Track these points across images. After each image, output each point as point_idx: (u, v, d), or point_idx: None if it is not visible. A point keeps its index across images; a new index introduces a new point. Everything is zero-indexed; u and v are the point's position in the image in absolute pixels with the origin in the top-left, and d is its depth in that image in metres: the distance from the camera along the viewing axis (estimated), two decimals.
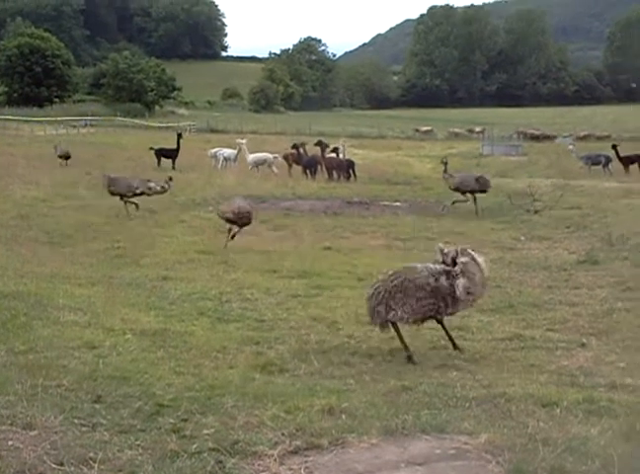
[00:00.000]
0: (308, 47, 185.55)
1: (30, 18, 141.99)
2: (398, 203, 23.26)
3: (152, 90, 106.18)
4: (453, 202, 21.40)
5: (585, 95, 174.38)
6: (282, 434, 5.53)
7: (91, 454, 5.06)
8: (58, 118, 67.03)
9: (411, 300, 8.07)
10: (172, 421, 5.81)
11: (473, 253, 8.26)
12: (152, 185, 19.25)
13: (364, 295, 8.70)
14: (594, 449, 5.22)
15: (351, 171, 29.34)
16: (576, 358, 8.17)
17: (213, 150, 35.22)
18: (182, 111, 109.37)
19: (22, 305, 9.23)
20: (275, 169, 31.53)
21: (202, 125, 76.14)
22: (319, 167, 30.07)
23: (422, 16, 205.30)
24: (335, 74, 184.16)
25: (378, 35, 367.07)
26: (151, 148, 33.90)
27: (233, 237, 15.24)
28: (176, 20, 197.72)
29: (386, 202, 23.38)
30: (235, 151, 32.96)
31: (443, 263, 8.25)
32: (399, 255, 14.79)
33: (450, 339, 8.43)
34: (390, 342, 8.70)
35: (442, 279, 8.06)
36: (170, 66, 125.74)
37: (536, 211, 20.61)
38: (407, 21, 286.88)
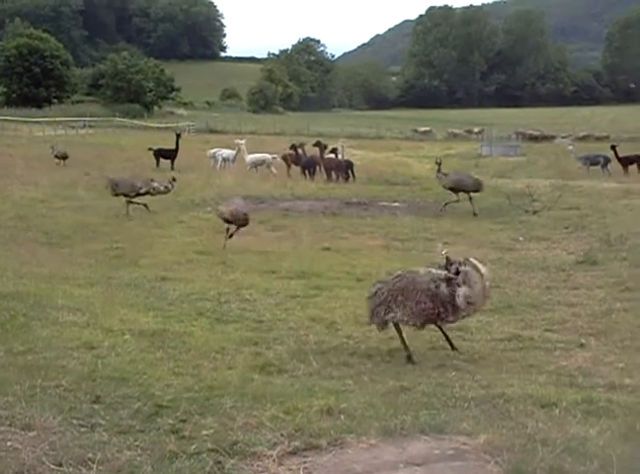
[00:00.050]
0: (307, 48, 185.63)
1: (28, 18, 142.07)
2: (397, 204, 23.25)
3: (151, 90, 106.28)
4: (445, 205, 21.42)
5: (584, 95, 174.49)
6: (281, 435, 5.53)
7: (90, 455, 5.06)
8: (57, 119, 67.07)
9: (411, 303, 8.06)
10: (171, 421, 5.81)
11: (476, 262, 8.20)
12: (156, 185, 19.35)
13: (365, 295, 8.71)
14: (592, 450, 5.22)
15: (349, 171, 29.32)
16: (575, 359, 8.17)
17: (212, 151, 35.20)
18: (181, 111, 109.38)
19: (21, 306, 9.22)
20: (273, 169, 31.53)
21: (201, 126, 76.18)
22: (318, 168, 30.05)
23: (420, 16, 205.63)
24: (334, 75, 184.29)
25: (377, 35, 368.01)
26: (150, 149, 33.88)
27: (231, 236, 15.28)
28: (174, 20, 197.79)
29: (385, 203, 23.37)
30: (234, 152, 32.96)
31: (447, 270, 8.17)
32: (398, 255, 14.81)
33: (448, 339, 8.44)
34: (389, 342, 8.71)
35: (443, 287, 7.99)
36: (169, 67, 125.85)
37: (535, 212, 20.62)
38: (406, 21, 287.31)
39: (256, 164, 31.88)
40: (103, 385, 6.59)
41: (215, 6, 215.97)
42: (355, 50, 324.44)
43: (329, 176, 29.39)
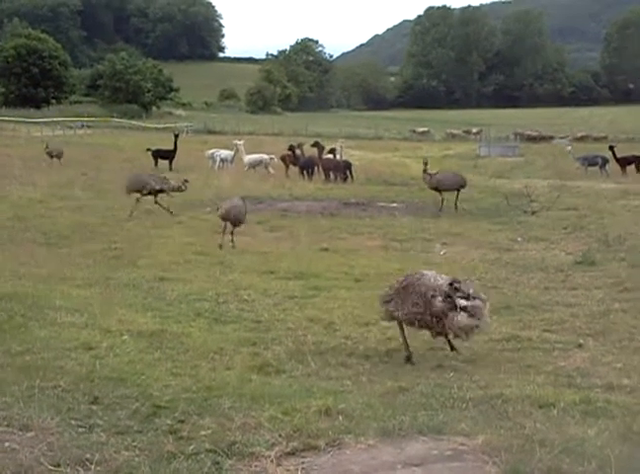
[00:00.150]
0: (305, 48, 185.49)
1: (27, 19, 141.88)
2: (395, 204, 23.25)
3: (149, 91, 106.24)
4: (441, 207, 21.46)
5: (582, 96, 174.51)
6: (280, 436, 5.53)
7: (88, 455, 5.06)
8: (55, 120, 67.11)
9: (408, 304, 8.03)
10: (169, 422, 5.81)
11: (484, 299, 7.88)
12: (171, 183, 19.81)
13: (363, 295, 8.72)
14: (590, 450, 5.22)
15: (348, 172, 29.32)
16: (573, 359, 8.17)
17: (210, 151, 35.19)
18: (179, 112, 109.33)
19: (19, 306, 9.22)
20: (271, 170, 31.55)
21: (200, 126, 76.06)
22: (316, 168, 30.07)
23: (419, 17, 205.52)
24: (332, 75, 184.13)
25: (375, 35, 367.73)
26: (148, 149, 33.85)
27: (232, 234, 15.47)
28: (173, 21, 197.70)
29: (383, 203, 23.37)
30: (232, 152, 32.96)
31: (457, 289, 7.76)
32: (396, 256, 14.82)
33: (448, 341, 8.39)
34: (387, 343, 8.72)
35: (437, 300, 7.74)
36: (167, 67, 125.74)
37: (533, 212, 20.63)
38: (404, 22, 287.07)
39: (253, 164, 31.88)
40: (101, 386, 6.59)
41: (214, 6, 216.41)
42: (353, 51, 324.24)
43: (327, 176, 29.39)
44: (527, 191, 22.91)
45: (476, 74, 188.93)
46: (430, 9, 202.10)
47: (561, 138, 60.98)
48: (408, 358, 8.11)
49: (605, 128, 70.92)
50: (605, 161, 33.04)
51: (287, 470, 5.08)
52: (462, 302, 7.69)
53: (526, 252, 15.55)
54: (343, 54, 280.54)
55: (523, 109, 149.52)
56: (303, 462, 5.19)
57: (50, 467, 4.90)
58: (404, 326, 8.25)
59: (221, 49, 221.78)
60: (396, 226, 18.75)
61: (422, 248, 15.74)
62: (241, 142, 32.79)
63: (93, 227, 17.27)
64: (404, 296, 8.07)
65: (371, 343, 8.76)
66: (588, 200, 23.04)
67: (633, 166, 32.89)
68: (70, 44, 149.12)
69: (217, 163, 33.66)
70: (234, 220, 15.43)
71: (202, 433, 5.58)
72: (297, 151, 30.81)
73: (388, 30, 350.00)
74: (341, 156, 31.20)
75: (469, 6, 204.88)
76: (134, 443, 5.34)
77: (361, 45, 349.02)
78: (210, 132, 71.10)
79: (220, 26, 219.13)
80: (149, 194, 19.55)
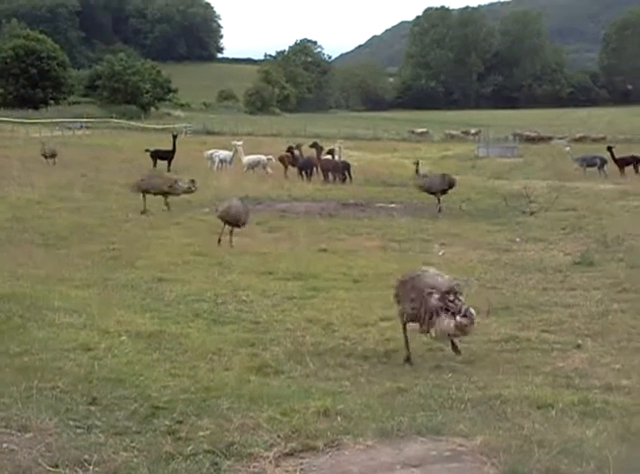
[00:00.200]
0: (304, 49, 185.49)
1: (25, 19, 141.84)
2: (394, 205, 23.26)
3: (147, 92, 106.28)
4: (439, 209, 21.48)
5: (580, 97, 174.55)
6: (278, 436, 5.53)
7: (86, 456, 5.06)
8: (54, 120, 67.03)
9: (407, 300, 8.02)
10: (167, 423, 5.81)
11: (473, 317, 7.66)
12: (180, 185, 19.98)
13: (362, 296, 8.71)
14: (589, 451, 5.22)
15: (346, 173, 29.35)
16: (571, 360, 8.17)
17: (209, 152, 35.20)
18: (177, 112, 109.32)
19: (17, 307, 9.22)
20: (269, 170, 31.57)
21: (198, 127, 76.07)
22: (315, 169, 30.09)
23: (417, 17, 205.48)
24: (330, 76, 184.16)
25: (374, 36, 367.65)
26: (147, 150, 33.77)
27: (231, 233, 15.54)
28: (171, 21, 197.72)
29: (382, 204, 23.39)
30: (231, 153, 32.99)
31: (453, 299, 7.64)
32: (395, 256, 14.81)
33: (452, 341, 8.30)
34: (385, 344, 8.72)
35: (434, 297, 7.67)
36: (165, 68, 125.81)
37: (532, 213, 20.64)
38: (403, 22, 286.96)
39: (252, 165, 31.91)
40: (99, 387, 6.59)
41: (212, 7, 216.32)
42: (351, 51, 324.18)
43: (326, 177, 29.41)
44: (526, 191, 22.93)
45: (475, 75, 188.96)
46: (428, 10, 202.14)
47: (560, 139, 60.92)
48: (407, 359, 8.10)
49: (604, 129, 70.90)
50: (604, 162, 33.06)
51: (286, 471, 5.08)
52: (456, 307, 7.61)
53: (525, 252, 15.55)
54: (341, 55, 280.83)
55: (522, 109, 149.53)
56: (302, 463, 5.19)
57: (49, 468, 4.90)
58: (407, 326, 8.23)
59: (220, 50, 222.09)
60: (395, 227, 18.75)
61: (420, 248, 15.74)
62: (240, 143, 32.82)
63: (91, 228, 17.25)
64: (404, 294, 8.09)
65: (370, 343, 8.76)
66: (586, 201, 23.06)
67: (631, 166, 32.92)
68: (69, 45, 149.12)
69: (216, 164, 33.65)
70: (233, 221, 15.45)
71: (201, 433, 5.58)
72: (296, 152, 30.83)
73: (387, 31, 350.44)
74: (339, 157, 31.25)
75: (468, 7, 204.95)
76: (133, 444, 5.34)
77: (360, 46, 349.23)
78: (209, 133, 71.11)
79: (219, 26, 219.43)
80: (158, 194, 19.75)
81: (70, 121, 68.48)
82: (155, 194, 19.90)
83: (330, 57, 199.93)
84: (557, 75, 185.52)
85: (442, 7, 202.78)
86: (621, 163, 33.05)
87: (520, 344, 8.81)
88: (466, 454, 5.28)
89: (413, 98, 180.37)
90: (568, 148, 38.93)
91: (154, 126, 74.33)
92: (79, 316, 9.15)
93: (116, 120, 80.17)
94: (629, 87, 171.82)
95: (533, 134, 65.16)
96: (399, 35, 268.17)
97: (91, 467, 4.93)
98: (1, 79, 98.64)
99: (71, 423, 5.68)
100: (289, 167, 31.43)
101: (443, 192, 21.67)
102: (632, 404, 6.56)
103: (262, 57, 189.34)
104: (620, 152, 34.03)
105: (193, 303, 10.58)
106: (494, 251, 15.63)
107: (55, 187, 24.30)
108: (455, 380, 7.33)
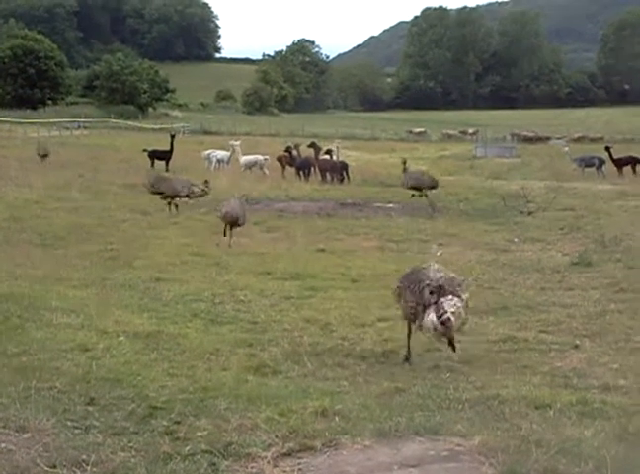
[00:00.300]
0: (302, 49, 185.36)
1: (23, 19, 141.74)
2: (391, 205, 23.26)
3: (145, 92, 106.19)
4: (433, 210, 21.50)
5: (578, 97, 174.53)
6: (276, 437, 5.53)
7: (84, 457, 5.06)
8: (51, 120, 67.02)
9: (404, 297, 7.99)
10: (165, 423, 5.81)
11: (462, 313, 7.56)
12: (195, 189, 19.96)
13: (359, 296, 8.69)
14: (587, 451, 5.23)
15: (344, 173, 29.37)
16: (569, 360, 8.17)
17: (207, 152, 35.21)
18: (175, 112, 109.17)
19: (15, 307, 9.21)
20: (265, 170, 31.59)
21: (196, 127, 76.07)
22: (312, 169, 30.10)
23: (415, 18, 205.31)
24: (328, 76, 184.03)
25: (372, 36, 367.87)
26: (145, 150, 33.79)
27: (225, 234, 15.56)
28: (169, 21, 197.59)
29: (380, 204, 23.39)
30: (228, 153, 33.01)
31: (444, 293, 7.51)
32: (392, 256, 14.81)
33: (450, 340, 8.27)
34: (383, 344, 8.72)
35: (426, 292, 7.56)
36: (163, 68, 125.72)
37: (530, 213, 20.65)
38: (401, 23, 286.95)
39: (249, 165, 31.94)
40: (97, 387, 6.58)
41: (210, 7, 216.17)
42: (349, 52, 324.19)
43: (324, 177, 29.43)
44: (524, 192, 22.94)
45: (473, 75, 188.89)
46: (426, 10, 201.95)
47: (558, 139, 60.97)
48: (406, 358, 8.09)
49: (602, 129, 71.00)
50: (602, 162, 33.10)
51: (284, 471, 5.08)
52: (444, 305, 7.42)
53: (523, 253, 15.56)
54: (339, 55, 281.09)
55: (520, 110, 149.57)
56: (300, 463, 5.19)
57: (47, 468, 4.89)
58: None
59: (217, 50, 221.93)
60: (392, 227, 18.75)
61: (418, 249, 15.72)
62: (237, 143, 32.83)
63: (89, 228, 17.24)
64: (403, 290, 8.07)
65: (368, 344, 8.75)
66: (584, 201, 23.08)
67: (629, 167, 32.97)
68: (66, 45, 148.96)
69: (214, 164, 33.65)
70: (232, 221, 15.45)
71: (199, 434, 5.58)
72: (294, 152, 30.85)
73: (385, 31, 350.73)
74: (337, 157, 31.23)
75: (466, 7, 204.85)
76: (131, 444, 5.34)
77: (358, 46, 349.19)
78: (207, 133, 71.13)
79: (216, 26, 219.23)
80: (176, 197, 19.77)
81: (68, 122, 68.42)
82: (168, 196, 19.72)
83: (328, 57, 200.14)
84: (555, 75, 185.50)
85: (440, 7, 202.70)
86: (619, 163, 33.11)
87: (517, 344, 8.81)
88: (464, 454, 5.28)
89: (411, 98, 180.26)
90: (567, 148, 38.97)
91: (152, 126, 74.26)
92: (77, 316, 9.14)
93: (113, 121, 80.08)
94: (627, 87, 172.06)
95: (531, 134, 65.25)
96: (397, 35, 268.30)
97: (89, 467, 4.92)
98: None
99: (69, 423, 5.67)
100: (287, 167, 31.45)
101: (431, 188, 21.80)
102: (630, 404, 6.56)
103: (260, 57, 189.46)
104: (618, 152, 34.10)
105: (190, 303, 10.57)
106: (492, 251, 15.64)
107: (53, 187, 24.29)
108: (453, 380, 7.33)
